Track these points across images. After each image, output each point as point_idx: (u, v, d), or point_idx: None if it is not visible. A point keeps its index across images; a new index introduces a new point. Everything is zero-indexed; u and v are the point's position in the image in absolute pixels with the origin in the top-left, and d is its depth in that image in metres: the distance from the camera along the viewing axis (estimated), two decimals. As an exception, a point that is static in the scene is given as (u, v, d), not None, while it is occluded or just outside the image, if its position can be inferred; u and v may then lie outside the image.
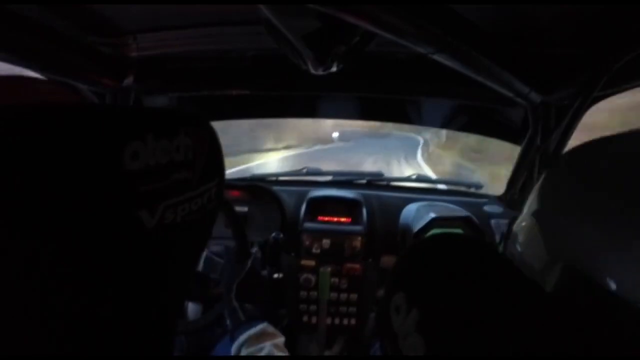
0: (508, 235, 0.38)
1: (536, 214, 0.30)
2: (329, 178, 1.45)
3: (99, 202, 0.22)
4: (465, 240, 0.27)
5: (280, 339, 0.68)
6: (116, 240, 0.23)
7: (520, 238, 0.31)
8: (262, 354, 0.63)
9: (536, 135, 0.98)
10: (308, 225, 1.13)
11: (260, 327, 0.68)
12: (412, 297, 0.24)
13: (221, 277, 0.82)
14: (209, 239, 0.34)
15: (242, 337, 0.67)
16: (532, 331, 0.19)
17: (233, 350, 0.67)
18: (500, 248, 0.37)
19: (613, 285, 0.21)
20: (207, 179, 0.29)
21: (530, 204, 0.32)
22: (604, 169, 0.26)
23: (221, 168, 0.32)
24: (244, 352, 0.65)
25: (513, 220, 0.36)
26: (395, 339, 0.23)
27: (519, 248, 0.31)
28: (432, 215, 1.04)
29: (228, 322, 0.71)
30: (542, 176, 0.33)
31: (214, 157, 0.31)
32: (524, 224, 0.31)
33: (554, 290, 0.24)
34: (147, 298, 0.27)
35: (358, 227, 1.12)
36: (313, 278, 1.10)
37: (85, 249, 0.22)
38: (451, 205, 1.14)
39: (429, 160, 10.15)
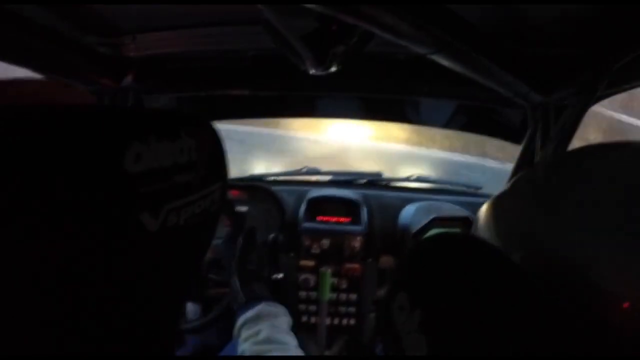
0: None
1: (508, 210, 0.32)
2: (328, 178, 1.45)
3: (100, 205, 0.21)
4: (467, 240, 0.27)
5: (280, 319, 0.65)
6: (118, 243, 0.23)
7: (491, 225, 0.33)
8: (260, 337, 0.60)
9: (536, 135, 0.98)
10: (307, 225, 1.12)
11: (257, 308, 0.65)
12: (415, 297, 0.24)
13: (223, 264, 0.80)
14: (211, 242, 0.34)
15: (240, 320, 0.64)
16: (534, 331, 0.19)
17: (234, 333, 0.65)
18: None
19: (605, 283, 0.21)
20: (210, 181, 0.29)
21: (504, 198, 0.33)
22: (590, 168, 0.27)
23: (224, 170, 0.32)
24: (243, 334, 0.62)
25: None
26: (398, 338, 0.23)
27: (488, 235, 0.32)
28: (432, 215, 1.04)
29: (234, 305, 0.69)
30: (520, 173, 0.35)
31: (217, 158, 0.30)
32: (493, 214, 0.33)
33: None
34: (149, 300, 0.27)
35: (357, 227, 1.12)
36: (312, 278, 1.10)
37: (86, 251, 0.22)
38: (450, 205, 1.14)
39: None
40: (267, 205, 1.17)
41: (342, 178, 1.45)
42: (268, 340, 0.59)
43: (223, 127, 0.34)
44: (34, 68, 0.73)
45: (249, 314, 0.64)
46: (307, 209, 1.15)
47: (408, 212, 1.14)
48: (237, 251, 0.74)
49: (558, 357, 0.18)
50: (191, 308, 1.07)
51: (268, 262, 1.12)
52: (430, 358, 0.21)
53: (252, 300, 0.67)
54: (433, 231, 1.03)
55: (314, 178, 1.47)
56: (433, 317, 0.22)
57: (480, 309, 0.21)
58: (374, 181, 1.42)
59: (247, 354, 0.58)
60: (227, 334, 0.71)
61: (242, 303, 0.67)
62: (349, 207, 1.17)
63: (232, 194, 1.18)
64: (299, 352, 0.61)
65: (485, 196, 1.31)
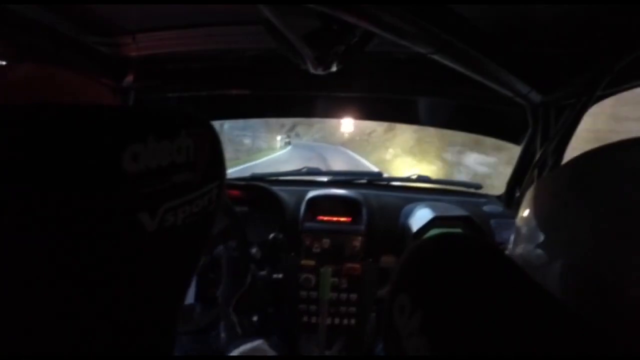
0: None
1: (538, 214, 0.30)
2: (328, 178, 1.45)
3: (98, 204, 0.21)
4: (469, 240, 0.26)
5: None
6: (116, 243, 0.23)
7: (523, 238, 0.31)
8: None
9: (536, 135, 0.98)
10: (308, 225, 1.12)
11: (255, 344, 0.66)
12: (416, 297, 0.23)
13: (221, 289, 0.81)
14: (209, 241, 0.34)
15: (235, 352, 0.65)
16: (537, 332, 0.18)
17: None
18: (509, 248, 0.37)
19: (624, 289, 0.21)
20: (208, 180, 0.29)
21: (531, 203, 0.31)
22: (609, 174, 0.26)
23: (222, 169, 0.32)
24: None
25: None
26: (399, 339, 0.23)
27: (521, 248, 0.31)
28: (432, 214, 1.04)
29: (223, 335, 0.71)
30: (544, 177, 0.33)
31: (215, 158, 0.30)
32: (525, 224, 0.31)
33: (558, 291, 0.24)
34: (148, 300, 0.27)
35: (358, 227, 1.12)
36: (313, 278, 1.10)
37: (85, 251, 0.22)
38: (451, 205, 1.14)
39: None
40: (267, 205, 1.17)
41: (342, 178, 1.45)
42: None
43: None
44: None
45: (246, 347, 0.66)
46: (308, 209, 1.15)
47: (408, 212, 1.14)
48: (244, 288, 0.76)
49: (560, 358, 0.18)
50: (191, 308, 1.07)
51: (268, 262, 1.12)
52: (432, 359, 0.21)
53: (250, 334, 0.70)
54: (433, 231, 1.03)
55: (314, 178, 1.47)
56: (434, 318, 0.22)
57: (482, 310, 0.21)
58: (374, 181, 1.42)
59: None
60: (225, 335, 0.71)
61: (239, 335, 0.70)
62: (349, 207, 1.17)
63: (233, 194, 1.18)
64: None
65: (485, 196, 1.31)
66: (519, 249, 0.31)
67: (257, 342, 0.66)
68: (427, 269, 0.25)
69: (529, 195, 0.32)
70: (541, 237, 0.28)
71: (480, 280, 0.22)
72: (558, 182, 0.30)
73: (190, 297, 0.95)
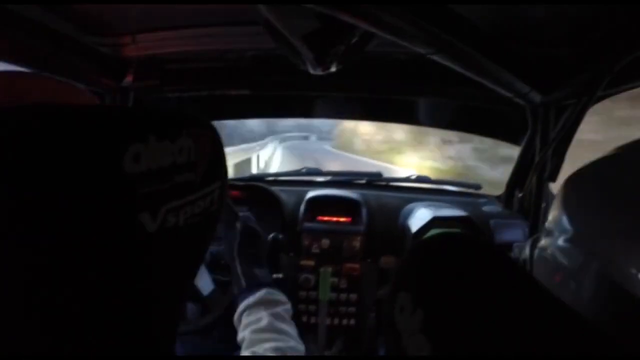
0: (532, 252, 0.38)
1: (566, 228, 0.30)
2: (328, 178, 1.45)
3: (99, 205, 0.21)
4: (468, 240, 0.26)
5: (281, 307, 0.63)
6: (117, 243, 0.23)
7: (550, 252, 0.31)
8: (261, 325, 0.58)
9: (536, 135, 0.98)
10: (307, 225, 1.12)
11: (258, 294, 0.63)
12: (416, 297, 0.23)
13: (223, 251, 0.79)
14: (211, 242, 0.34)
15: (241, 306, 0.63)
16: (537, 333, 0.19)
17: (235, 319, 0.63)
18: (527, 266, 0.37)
19: None
20: (209, 181, 0.29)
21: (556, 217, 0.32)
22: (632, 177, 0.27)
23: (224, 170, 0.32)
24: (244, 321, 0.61)
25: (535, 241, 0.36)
26: (399, 339, 0.23)
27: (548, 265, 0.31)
28: (432, 215, 1.04)
29: (235, 288, 0.68)
30: (564, 187, 0.32)
31: (217, 158, 0.30)
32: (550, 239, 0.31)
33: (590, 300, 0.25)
34: (149, 300, 0.27)
35: (357, 227, 1.12)
36: (312, 278, 1.10)
37: (86, 252, 0.22)
38: (450, 206, 1.14)
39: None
40: (266, 205, 1.17)
41: (341, 178, 1.45)
42: (269, 329, 0.58)
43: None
44: (35, 68, 0.73)
45: (250, 299, 0.63)
46: (307, 209, 1.15)
47: (408, 212, 1.14)
48: (237, 235, 0.74)
49: (562, 357, 0.18)
50: (191, 308, 1.07)
51: (268, 262, 1.12)
52: (433, 358, 0.21)
53: (254, 285, 0.66)
54: (433, 231, 1.02)
55: (313, 178, 1.47)
56: (435, 317, 0.22)
57: (482, 309, 0.21)
58: (374, 181, 1.42)
59: (247, 341, 0.57)
60: (226, 335, 0.71)
61: (243, 288, 0.66)
62: (349, 207, 1.17)
63: (232, 194, 1.18)
64: (299, 342, 0.59)
65: (485, 196, 1.31)
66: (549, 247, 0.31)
67: (260, 292, 0.64)
68: (427, 267, 0.25)
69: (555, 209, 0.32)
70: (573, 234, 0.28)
71: (480, 280, 0.22)
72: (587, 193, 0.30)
73: (208, 285, 0.95)
